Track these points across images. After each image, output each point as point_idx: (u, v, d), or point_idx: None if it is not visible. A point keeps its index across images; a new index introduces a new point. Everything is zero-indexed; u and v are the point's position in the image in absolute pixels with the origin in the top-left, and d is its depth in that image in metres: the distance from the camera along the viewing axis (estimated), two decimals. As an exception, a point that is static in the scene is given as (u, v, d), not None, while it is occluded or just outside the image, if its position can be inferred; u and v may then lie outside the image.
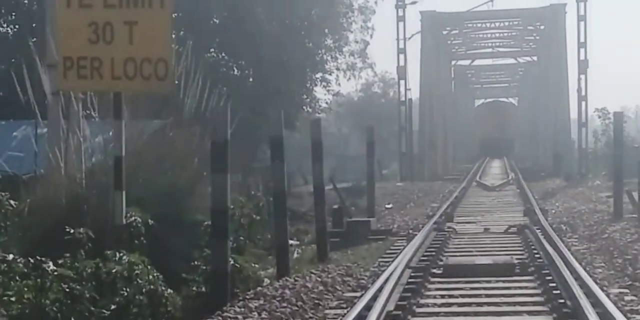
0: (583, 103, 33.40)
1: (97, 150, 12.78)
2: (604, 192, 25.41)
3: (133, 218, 8.08)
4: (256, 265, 12.16)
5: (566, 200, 21.61)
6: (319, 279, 10.21)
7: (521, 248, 12.74)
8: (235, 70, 34.24)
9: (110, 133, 12.94)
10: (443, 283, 9.99)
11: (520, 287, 9.50)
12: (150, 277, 7.18)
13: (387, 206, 24.15)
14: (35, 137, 15.15)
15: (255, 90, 32.92)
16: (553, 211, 18.64)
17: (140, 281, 7.13)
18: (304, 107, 34.15)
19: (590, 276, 9.63)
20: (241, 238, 10.95)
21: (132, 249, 8.15)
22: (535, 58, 55.24)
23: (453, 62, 58.30)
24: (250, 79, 33.85)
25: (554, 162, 35.37)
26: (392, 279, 9.37)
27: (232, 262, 9.45)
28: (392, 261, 11.30)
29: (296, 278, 10.26)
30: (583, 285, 8.79)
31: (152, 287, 7.02)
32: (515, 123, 60.32)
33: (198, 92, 13.95)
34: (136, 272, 7.12)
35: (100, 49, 8.88)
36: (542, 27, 44.92)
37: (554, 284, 9.29)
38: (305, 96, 33.85)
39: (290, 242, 18.27)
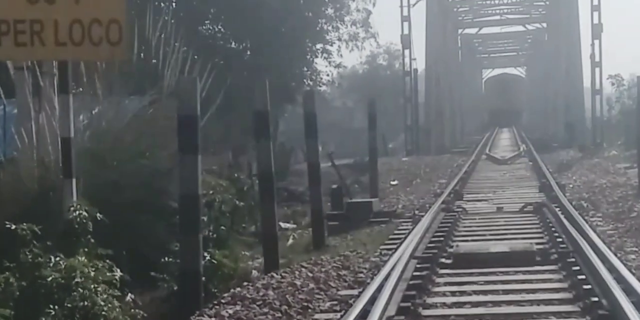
0: (597, 70, 31.78)
1: (79, 129, 11.47)
2: (622, 163, 24.00)
3: (77, 213, 6.70)
4: (245, 253, 10.88)
5: (583, 173, 20.18)
6: (311, 274, 8.87)
7: (540, 230, 11.36)
8: (233, 43, 32.80)
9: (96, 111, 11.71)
10: (453, 276, 8.66)
11: (543, 280, 8.16)
12: (95, 285, 5.82)
13: (393, 183, 22.83)
14: (4, 118, 13.86)
15: (253, 63, 31.51)
16: (571, 186, 17.22)
17: (82, 291, 5.78)
18: (305, 80, 32.72)
19: (625, 265, 8.26)
20: (222, 227, 9.61)
21: (82, 248, 6.78)
22: (544, 25, 53.55)
23: (460, 31, 56.62)
24: (248, 52, 32.42)
25: (566, 132, 33.79)
26: (395, 274, 8.01)
27: (207, 258, 8.12)
28: (396, 249, 9.97)
29: (284, 273, 8.91)
30: (619, 278, 7.43)
31: (86, 303, 5.63)
32: (523, 95, 62.23)
33: (179, 64, 12.56)
34: (76, 280, 5.78)
35: (40, 10, 7.48)
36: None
37: (582, 277, 7.91)
38: (305, 68, 32.41)
39: (287, 225, 17.01)
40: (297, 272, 8.95)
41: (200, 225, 7.47)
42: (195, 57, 13.56)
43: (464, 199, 16.07)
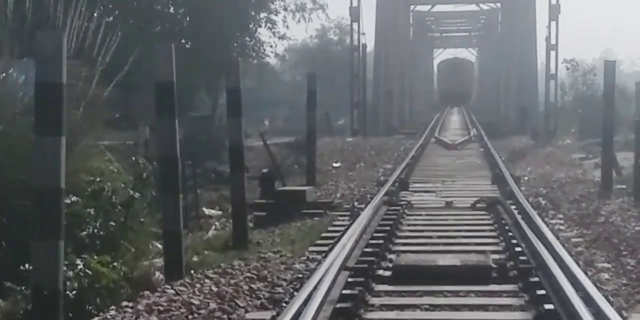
0: (552, 53, 30.34)
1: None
2: (577, 153, 22.76)
3: None
4: (146, 254, 9.13)
5: (538, 164, 18.75)
6: (216, 288, 7.14)
7: (495, 235, 9.79)
8: (171, 8, 30.78)
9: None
10: (392, 295, 7.04)
11: (501, 307, 6.58)
12: None
13: (335, 165, 21.27)
14: None
15: (192, 31, 29.56)
16: (526, 178, 15.73)
17: None
18: (248, 51, 30.86)
19: (598, 288, 6.73)
20: (112, 224, 7.82)
21: None
22: (498, 5, 52.22)
23: (412, 8, 55.01)
24: (187, 18, 30.42)
25: (520, 117, 32.41)
26: (319, 292, 6.38)
27: (80, 267, 6.34)
28: (326, 255, 8.36)
29: (181, 287, 7.15)
30: (590, 304, 5.91)
31: None
32: (472, 78, 68.42)
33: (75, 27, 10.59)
34: None
35: None
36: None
37: (550, 306, 6.35)
38: (248, 39, 30.55)
39: (211, 212, 15.25)
40: (198, 285, 7.22)
41: (62, 227, 5.68)
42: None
43: (410, 189, 14.51)
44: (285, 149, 26.14)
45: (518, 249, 8.61)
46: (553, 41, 30.09)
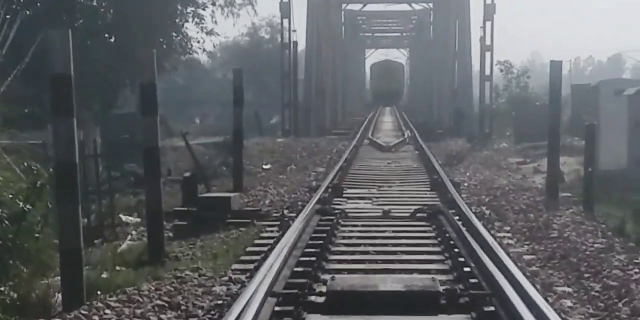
0: (487, 54, 29.68)
1: None
2: (513, 157, 22.12)
3: None
4: (52, 276, 7.95)
5: (477, 169, 17.94)
6: (118, 321, 6.00)
7: (439, 250, 8.84)
8: (94, 1, 29.26)
9: None
10: (325, 328, 6.02)
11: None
12: None
13: (265, 167, 20.20)
14: None
15: (116, 25, 28.10)
16: (466, 184, 14.87)
17: None
18: (174, 47, 29.50)
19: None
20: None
21: None
22: (431, 5, 51.69)
23: (343, 6, 54.19)
24: (111, 11, 28.92)
25: (454, 119, 31.74)
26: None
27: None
28: (251, 276, 7.32)
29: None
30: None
31: None
32: (403, 79, 74.25)
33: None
34: None
35: None
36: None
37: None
38: (175, 34, 29.17)
39: (128, 219, 13.98)
40: (96, 317, 6.07)
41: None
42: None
43: (344, 195, 13.51)
44: (213, 149, 24.92)
45: (467, 268, 7.68)
46: (488, 42, 29.46)
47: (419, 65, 71.26)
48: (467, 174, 16.86)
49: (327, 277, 7.57)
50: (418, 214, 11.15)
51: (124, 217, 13.92)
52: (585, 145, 12.12)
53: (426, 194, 13.60)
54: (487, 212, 11.65)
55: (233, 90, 14.77)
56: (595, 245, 8.64)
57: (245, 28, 69.10)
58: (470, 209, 11.00)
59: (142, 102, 9.04)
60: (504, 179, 15.82)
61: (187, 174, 12.88)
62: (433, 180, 14.52)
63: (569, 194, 13.34)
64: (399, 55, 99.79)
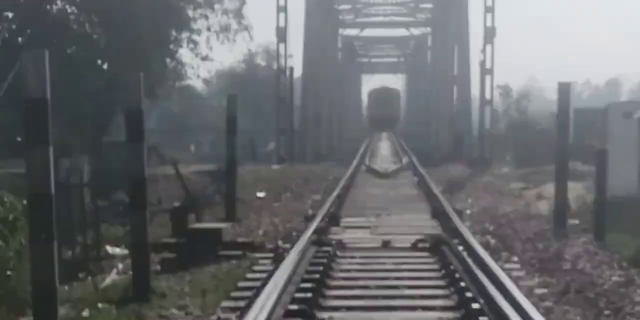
0: (488, 77, 29.21)
1: None
2: (515, 182, 21.56)
3: None
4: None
5: (479, 196, 17.37)
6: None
7: (444, 284, 8.24)
8: (87, 27, 28.79)
9: None
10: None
11: None
12: None
13: (259, 195, 19.61)
14: None
15: (108, 51, 27.63)
16: (468, 212, 14.28)
17: None
18: (168, 73, 29.01)
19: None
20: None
21: None
22: (429, 29, 51.46)
23: (340, 31, 54.02)
24: (104, 39, 28.46)
25: (454, 144, 31.15)
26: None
27: None
28: (241, 316, 6.73)
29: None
30: None
31: None
32: (399, 105, 75.94)
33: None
34: None
35: None
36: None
37: None
38: (168, 60, 28.68)
39: (115, 250, 13.37)
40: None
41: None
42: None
43: (342, 224, 12.91)
44: (206, 177, 24.33)
45: (475, 305, 7.08)
46: (488, 65, 29.00)
47: (415, 89, 71.52)
48: (469, 200, 16.27)
49: (324, 315, 7.03)
50: (420, 244, 10.59)
51: (110, 249, 13.30)
52: (597, 172, 11.52)
53: (427, 222, 13.00)
54: (493, 241, 11.05)
55: (227, 118, 14.19)
56: (613, 278, 8.05)
57: (241, 55, 69.02)
58: (475, 239, 10.42)
59: (128, 129, 8.48)
60: (508, 205, 15.25)
61: (176, 204, 12.27)
62: (434, 208, 13.94)
63: (576, 221, 12.76)
64: (396, 81, 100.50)
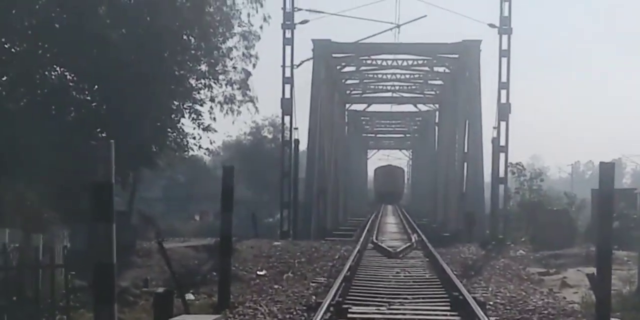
0: (502, 155, 27.93)
1: None
2: (533, 266, 20.04)
3: None
4: None
5: (499, 282, 15.87)
6: None
7: None
8: (87, 95, 27.84)
9: None
10: None
11: None
12: None
13: (260, 273, 18.26)
14: None
15: (108, 119, 26.56)
16: (491, 303, 12.75)
17: None
18: (169, 143, 27.85)
19: None
20: None
21: None
22: (437, 106, 50.62)
23: (347, 106, 53.33)
24: (104, 106, 27.47)
25: (465, 223, 29.73)
26: None
27: None
28: None
29: None
30: None
31: None
32: (403, 181, 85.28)
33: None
34: None
35: None
36: (448, 70, 40.19)
37: None
38: (170, 130, 27.58)
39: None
40: None
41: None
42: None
43: (349, 315, 11.42)
44: (204, 252, 22.87)
45: None
46: (502, 142, 27.78)
47: (421, 165, 70.92)
48: (490, 288, 14.77)
49: None
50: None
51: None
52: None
53: (446, 316, 11.48)
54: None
55: (222, 191, 12.79)
56: None
57: (247, 126, 68.83)
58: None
59: (94, 205, 7.07)
60: (534, 295, 13.75)
61: (160, 290, 10.78)
62: (453, 297, 12.44)
63: (618, 315, 11.26)
64: (401, 156, 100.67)
